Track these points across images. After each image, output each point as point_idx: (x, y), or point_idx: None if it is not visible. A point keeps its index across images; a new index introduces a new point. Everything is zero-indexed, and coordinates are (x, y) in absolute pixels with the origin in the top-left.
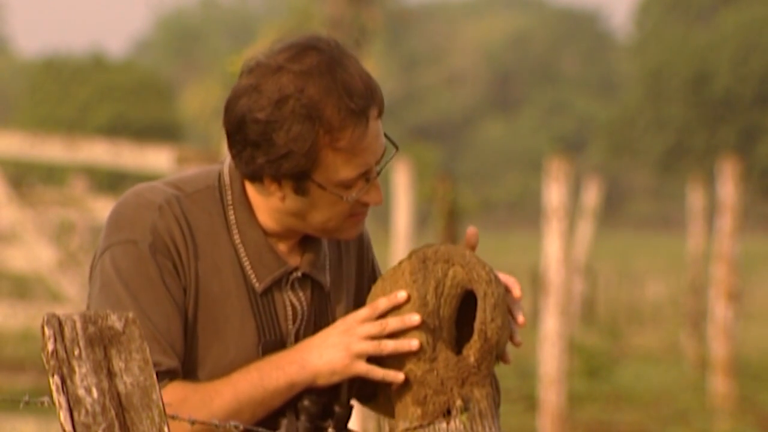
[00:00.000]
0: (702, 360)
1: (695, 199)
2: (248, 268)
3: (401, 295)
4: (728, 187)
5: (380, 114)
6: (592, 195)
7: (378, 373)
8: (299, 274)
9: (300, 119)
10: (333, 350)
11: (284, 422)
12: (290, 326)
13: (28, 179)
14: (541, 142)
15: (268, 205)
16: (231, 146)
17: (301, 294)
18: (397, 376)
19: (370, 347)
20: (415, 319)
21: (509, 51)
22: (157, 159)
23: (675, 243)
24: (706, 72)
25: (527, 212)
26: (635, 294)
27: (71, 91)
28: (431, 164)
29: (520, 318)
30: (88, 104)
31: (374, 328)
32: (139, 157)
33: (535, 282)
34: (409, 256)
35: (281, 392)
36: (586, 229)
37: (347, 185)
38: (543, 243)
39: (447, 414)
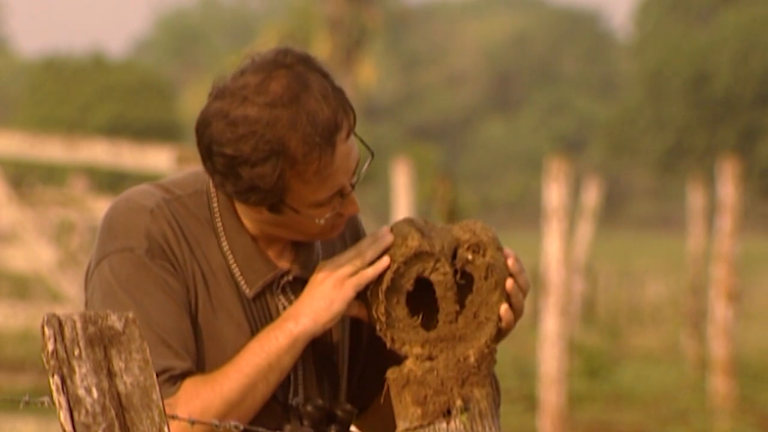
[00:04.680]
0: (702, 360)
1: (695, 199)
2: (238, 274)
3: (383, 231)
4: (728, 187)
5: (352, 129)
6: (592, 195)
7: (368, 272)
8: (290, 277)
9: (264, 155)
10: (321, 286)
11: (288, 428)
12: None
13: (28, 179)
14: (541, 142)
15: (249, 215)
16: (204, 167)
17: (293, 297)
18: (382, 261)
19: (355, 263)
20: (388, 239)
21: (509, 51)
22: (157, 159)
23: (675, 243)
24: (706, 72)
25: (527, 212)
26: (635, 294)
27: (71, 91)
28: (431, 164)
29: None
30: (88, 104)
31: (352, 253)
32: (139, 157)
33: (535, 282)
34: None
35: (285, 350)
36: (586, 229)
37: (321, 204)
38: (543, 243)
39: (447, 414)
